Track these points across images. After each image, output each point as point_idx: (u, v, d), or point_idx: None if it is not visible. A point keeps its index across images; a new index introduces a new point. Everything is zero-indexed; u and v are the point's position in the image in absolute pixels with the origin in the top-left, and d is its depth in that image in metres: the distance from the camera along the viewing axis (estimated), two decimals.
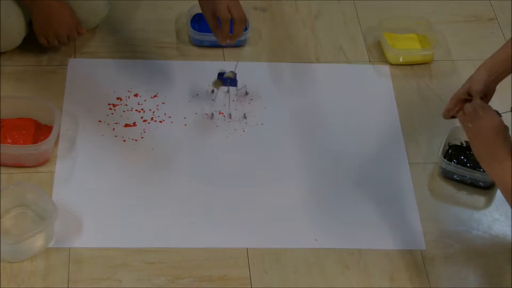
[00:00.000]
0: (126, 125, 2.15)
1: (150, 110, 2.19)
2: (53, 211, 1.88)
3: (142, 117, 2.17)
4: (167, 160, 2.09)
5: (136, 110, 2.19)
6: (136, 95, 2.22)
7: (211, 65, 2.31)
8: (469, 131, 1.81)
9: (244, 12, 2.05)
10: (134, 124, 2.16)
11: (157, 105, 2.20)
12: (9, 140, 2.05)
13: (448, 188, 2.11)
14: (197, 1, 2.07)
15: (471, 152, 2.14)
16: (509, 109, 1.88)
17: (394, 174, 2.11)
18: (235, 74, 2.17)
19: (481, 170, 2.10)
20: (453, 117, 1.94)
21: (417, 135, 2.21)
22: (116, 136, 2.13)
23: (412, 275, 1.92)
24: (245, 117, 2.19)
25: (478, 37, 2.48)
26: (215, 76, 2.19)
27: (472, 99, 1.88)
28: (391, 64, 2.37)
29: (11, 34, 2.20)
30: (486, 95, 1.90)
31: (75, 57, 2.29)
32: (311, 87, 2.30)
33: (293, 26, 2.46)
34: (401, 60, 2.36)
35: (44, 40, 2.22)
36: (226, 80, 2.17)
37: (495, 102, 1.90)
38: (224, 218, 1.99)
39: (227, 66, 2.19)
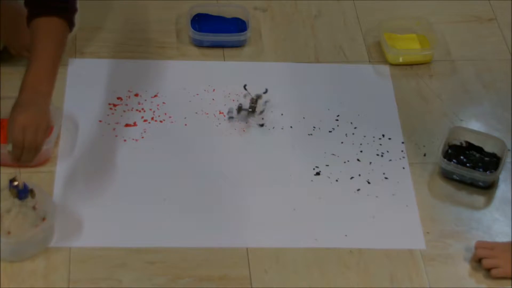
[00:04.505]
0: (127, 125, 2.15)
1: (150, 110, 2.19)
2: (54, 210, 1.88)
3: (142, 117, 2.17)
4: (167, 160, 2.09)
5: (137, 110, 2.19)
6: (136, 95, 2.22)
7: (211, 65, 2.31)
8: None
9: (39, 140, 1.81)
10: (135, 124, 2.16)
11: (158, 105, 2.20)
12: None
13: (448, 188, 2.10)
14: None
15: (471, 151, 2.15)
16: None
17: (394, 174, 2.11)
18: (24, 185, 1.88)
19: (481, 169, 2.10)
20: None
21: (417, 135, 2.21)
22: (116, 136, 2.13)
23: (412, 275, 1.92)
24: None
25: (478, 37, 2.48)
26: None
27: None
28: (391, 64, 2.36)
29: None
30: None
31: (75, 57, 2.29)
32: (311, 87, 2.30)
33: (293, 26, 2.46)
34: (400, 60, 2.36)
35: (13, 51, 2.18)
36: (16, 188, 1.88)
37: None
38: (224, 218, 1.99)
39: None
